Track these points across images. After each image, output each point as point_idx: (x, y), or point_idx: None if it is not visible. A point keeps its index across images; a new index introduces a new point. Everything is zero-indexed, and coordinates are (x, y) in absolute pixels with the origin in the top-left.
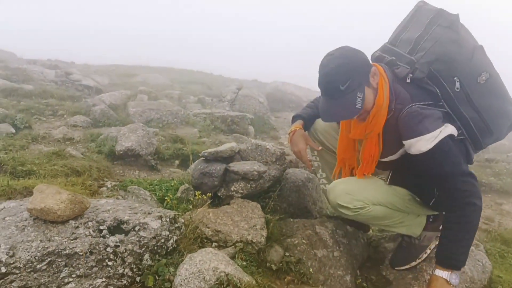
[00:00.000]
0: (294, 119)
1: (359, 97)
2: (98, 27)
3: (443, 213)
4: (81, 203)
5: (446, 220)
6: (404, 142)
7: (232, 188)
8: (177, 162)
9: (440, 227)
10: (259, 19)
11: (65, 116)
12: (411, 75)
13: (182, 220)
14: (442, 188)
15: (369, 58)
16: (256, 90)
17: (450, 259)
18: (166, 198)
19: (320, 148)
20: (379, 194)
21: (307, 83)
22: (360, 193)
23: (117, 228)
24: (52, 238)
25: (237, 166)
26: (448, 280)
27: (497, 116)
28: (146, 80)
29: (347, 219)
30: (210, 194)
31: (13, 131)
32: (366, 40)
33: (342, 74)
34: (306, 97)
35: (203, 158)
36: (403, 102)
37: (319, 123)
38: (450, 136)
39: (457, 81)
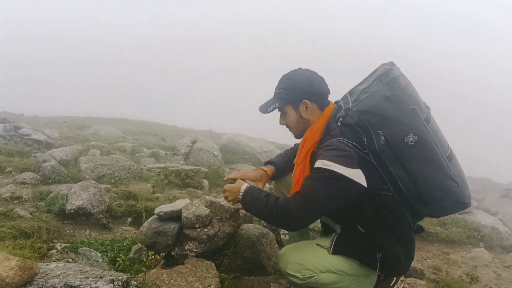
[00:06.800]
0: (267, 163)
1: (275, 104)
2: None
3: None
4: (31, 269)
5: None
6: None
7: (186, 247)
8: (129, 219)
9: (391, 283)
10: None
11: (13, 173)
12: (341, 119)
13: (135, 283)
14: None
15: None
16: (211, 141)
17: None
18: (118, 259)
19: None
20: (327, 261)
21: (259, 134)
22: (309, 262)
23: None
24: None
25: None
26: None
27: (433, 187)
28: (98, 132)
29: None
30: (163, 253)
31: None
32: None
33: (282, 83)
34: (259, 148)
35: (157, 216)
36: (333, 136)
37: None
38: (348, 181)
39: (381, 135)
